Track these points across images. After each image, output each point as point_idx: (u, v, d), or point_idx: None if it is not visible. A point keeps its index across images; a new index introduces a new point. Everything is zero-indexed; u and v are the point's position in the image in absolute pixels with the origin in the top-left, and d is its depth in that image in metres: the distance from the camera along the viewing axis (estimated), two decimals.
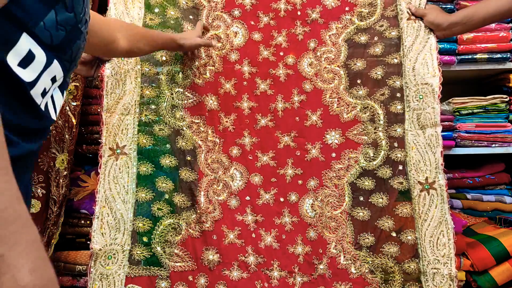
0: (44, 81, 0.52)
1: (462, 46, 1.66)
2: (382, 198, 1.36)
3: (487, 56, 1.66)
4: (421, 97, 1.38)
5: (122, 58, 1.38)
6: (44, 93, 0.53)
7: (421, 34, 1.41)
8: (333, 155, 1.40)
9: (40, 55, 0.50)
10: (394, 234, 1.33)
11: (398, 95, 1.40)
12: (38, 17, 0.48)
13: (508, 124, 1.69)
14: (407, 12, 1.42)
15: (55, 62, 0.52)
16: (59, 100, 0.61)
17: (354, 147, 1.39)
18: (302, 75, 1.44)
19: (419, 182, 1.34)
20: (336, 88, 1.43)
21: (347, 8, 1.46)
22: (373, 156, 1.38)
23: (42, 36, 0.49)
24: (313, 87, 1.43)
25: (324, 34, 1.45)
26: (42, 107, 0.54)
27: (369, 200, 1.36)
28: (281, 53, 1.45)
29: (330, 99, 1.42)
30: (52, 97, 0.58)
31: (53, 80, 0.54)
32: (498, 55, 1.66)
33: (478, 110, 1.70)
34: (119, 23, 1.26)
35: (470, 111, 1.70)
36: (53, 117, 0.58)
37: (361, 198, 1.36)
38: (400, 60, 1.41)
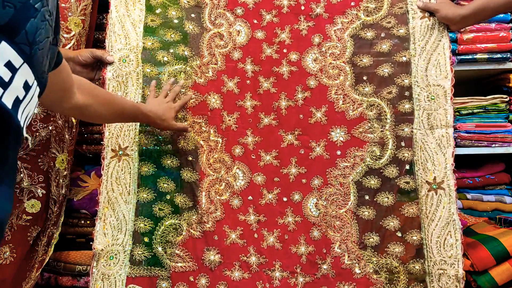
0: None
1: (462, 46, 1.66)
2: (387, 197, 1.35)
3: (487, 56, 1.66)
4: (433, 97, 1.37)
5: (124, 60, 1.37)
6: (2, 83, 0.47)
7: (434, 34, 1.39)
8: (338, 152, 1.38)
9: None
10: (399, 234, 1.32)
11: (407, 93, 1.39)
12: None
13: (508, 124, 1.70)
14: (420, 10, 1.40)
15: (4, 44, 0.46)
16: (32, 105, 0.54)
17: (360, 145, 1.38)
18: (306, 71, 1.42)
19: (427, 181, 1.34)
20: (341, 85, 1.41)
21: (352, 3, 1.44)
22: (379, 155, 1.37)
23: None
24: (318, 83, 1.42)
25: (329, 29, 1.43)
26: (5, 101, 0.48)
27: (375, 199, 1.35)
28: (285, 50, 1.43)
29: (336, 96, 1.41)
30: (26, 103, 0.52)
31: (11, 67, 0.48)
32: (498, 55, 1.66)
33: (478, 110, 1.70)
34: (86, 83, 1.08)
35: (470, 111, 1.70)
36: (18, 118, 0.52)
37: (367, 197, 1.35)
38: (409, 58, 1.40)
